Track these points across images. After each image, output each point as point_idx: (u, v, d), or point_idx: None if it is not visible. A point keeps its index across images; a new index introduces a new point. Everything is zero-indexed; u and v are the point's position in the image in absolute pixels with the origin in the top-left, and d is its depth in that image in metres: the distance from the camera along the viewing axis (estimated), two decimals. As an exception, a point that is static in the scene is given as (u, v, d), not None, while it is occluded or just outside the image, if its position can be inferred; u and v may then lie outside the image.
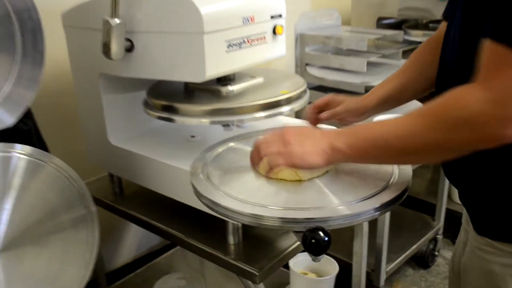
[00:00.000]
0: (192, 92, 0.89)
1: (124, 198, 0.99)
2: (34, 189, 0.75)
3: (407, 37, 1.35)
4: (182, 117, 0.81)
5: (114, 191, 1.01)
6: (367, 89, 1.18)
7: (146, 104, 0.87)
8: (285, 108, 0.83)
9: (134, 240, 1.34)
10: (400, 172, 0.67)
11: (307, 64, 1.33)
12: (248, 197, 0.64)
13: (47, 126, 0.95)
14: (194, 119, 0.81)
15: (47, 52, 0.77)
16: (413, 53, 0.76)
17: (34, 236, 0.74)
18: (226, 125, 0.86)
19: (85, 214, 0.79)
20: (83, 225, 0.80)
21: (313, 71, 1.35)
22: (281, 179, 0.67)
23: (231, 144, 0.83)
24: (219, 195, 0.65)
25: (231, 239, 0.81)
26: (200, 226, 0.86)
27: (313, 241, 0.55)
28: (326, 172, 0.68)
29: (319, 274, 1.14)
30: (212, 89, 0.86)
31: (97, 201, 0.96)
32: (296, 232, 0.60)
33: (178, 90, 0.91)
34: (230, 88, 0.85)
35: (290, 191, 0.66)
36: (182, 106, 0.81)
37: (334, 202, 0.61)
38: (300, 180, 0.67)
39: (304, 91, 0.88)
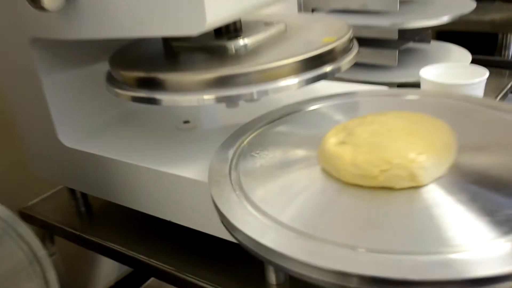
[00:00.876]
0: (178, 55, 0.58)
1: (93, 220, 0.69)
2: None
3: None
4: (172, 94, 0.50)
5: (77, 210, 0.70)
6: (402, 32, 0.89)
7: (111, 81, 0.56)
8: (334, 65, 0.53)
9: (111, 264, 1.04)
10: None
11: (313, 10, 1.03)
12: (322, 230, 0.35)
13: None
14: (191, 97, 0.50)
15: None
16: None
17: None
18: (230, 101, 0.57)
19: (26, 264, 0.49)
20: (27, 277, 0.51)
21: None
22: (379, 187, 0.38)
23: (269, 126, 0.54)
24: (267, 226, 0.36)
25: (272, 278, 0.52)
26: (215, 258, 0.56)
27: None
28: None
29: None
30: (212, 47, 0.55)
31: (53, 229, 0.66)
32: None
33: (156, 54, 0.60)
34: (242, 41, 0.55)
35: (398, 212, 0.36)
36: (169, 77, 0.50)
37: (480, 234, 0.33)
38: (413, 187, 0.37)
39: (352, 39, 0.58)
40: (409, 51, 0.98)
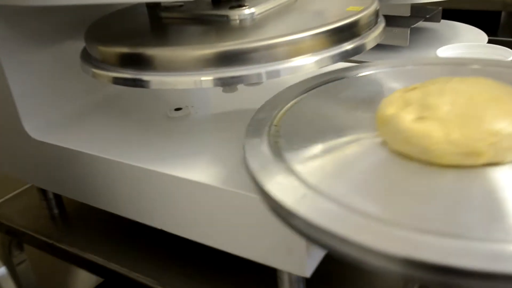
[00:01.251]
0: (168, 28, 0.48)
1: (67, 224, 0.58)
2: None
3: None
4: (162, 74, 0.41)
5: (50, 213, 0.60)
6: (413, 9, 0.80)
7: (88, 59, 0.46)
8: (360, 41, 0.44)
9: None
10: None
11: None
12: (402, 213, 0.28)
13: None
14: (186, 78, 0.40)
15: None
16: None
17: None
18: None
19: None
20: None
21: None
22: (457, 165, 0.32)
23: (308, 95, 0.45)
24: (335, 211, 0.28)
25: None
26: (206, 270, 0.47)
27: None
28: None
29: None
30: (210, 18, 0.46)
31: (21, 236, 0.57)
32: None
33: (142, 27, 0.50)
34: (248, 10, 0.45)
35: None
36: (160, 54, 0.40)
37: None
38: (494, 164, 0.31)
39: (378, 10, 0.49)
40: (419, 30, 0.89)
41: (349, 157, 0.35)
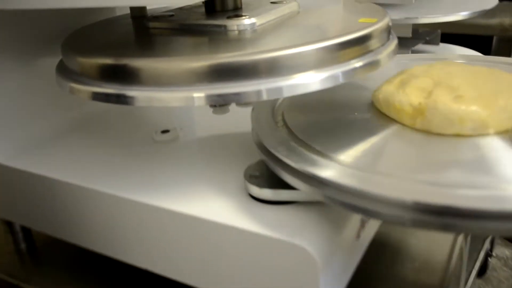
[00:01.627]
0: (156, 40, 0.43)
1: (37, 261, 0.51)
2: None
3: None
4: (149, 90, 0.35)
5: (16, 248, 0.53)
6: (414, 31, 0.77)
7: (64, 72, 0.40)
8: (375, 56, 0.39)
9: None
10: None
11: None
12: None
13: None
14: (176, 94, 0.35)
15: None
16: None
17: None
18: (215, 105, 0.42)
19: None
20: None
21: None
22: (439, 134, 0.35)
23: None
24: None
25: None
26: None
27: None
28: None
29: None
30: (204, 29, 0.40)
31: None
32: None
33: (126, 38, 0.44)
34: (248, 21, 0.40)
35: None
36: (147, 65, 0.35)
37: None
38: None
39: (390, 25, 0.44)
40: (418, 53, 0.86)
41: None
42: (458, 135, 0.35)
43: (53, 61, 0.42)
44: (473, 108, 0.34)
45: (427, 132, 0.36)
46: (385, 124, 0.38)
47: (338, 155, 0.34)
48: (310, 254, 0.30)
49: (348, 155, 0.34)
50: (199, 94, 0.34)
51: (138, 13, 0.48)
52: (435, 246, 0.47)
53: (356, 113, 0.41)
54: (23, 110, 0.48)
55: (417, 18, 0.72)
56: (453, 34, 1.02)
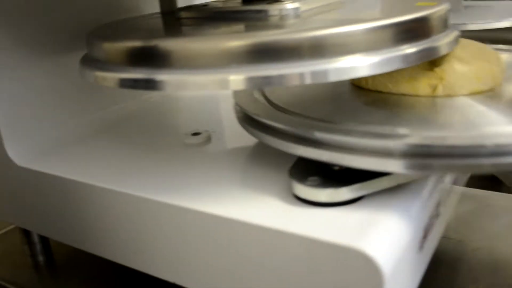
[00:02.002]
0: (186, 25, 0.39)
1: (55, 275, 0.47)
2: None
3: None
4: (179, 72, 0.31)
5: (34, 261, 0.49)
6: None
7: (89, 62, 0.37)
8: (433, 42, 0.34)
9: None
10: None
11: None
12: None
13: None
14: (210, 76, 0.31)
15: None
16: None
17: None
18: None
19: None
20: None
21: None
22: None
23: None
24: None
25: None
26: None
27: None
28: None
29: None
30: (242, 14, 0.37)
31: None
32: None
33: (156, 27, 0.41)
34: (291, 5, 0.36)
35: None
36: (177, 46, 0.31)
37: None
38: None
39: (448, 8, 0.40)
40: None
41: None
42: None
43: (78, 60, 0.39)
44: (485, 64, 0.37)
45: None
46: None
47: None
48: (374, 262, 0.25)
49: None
50: (235, 77, 0.30)
51: (168, 7, 0.45)
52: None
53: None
54: (46, 113, 0.45)
55: (465, 24, 0.68)
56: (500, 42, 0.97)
